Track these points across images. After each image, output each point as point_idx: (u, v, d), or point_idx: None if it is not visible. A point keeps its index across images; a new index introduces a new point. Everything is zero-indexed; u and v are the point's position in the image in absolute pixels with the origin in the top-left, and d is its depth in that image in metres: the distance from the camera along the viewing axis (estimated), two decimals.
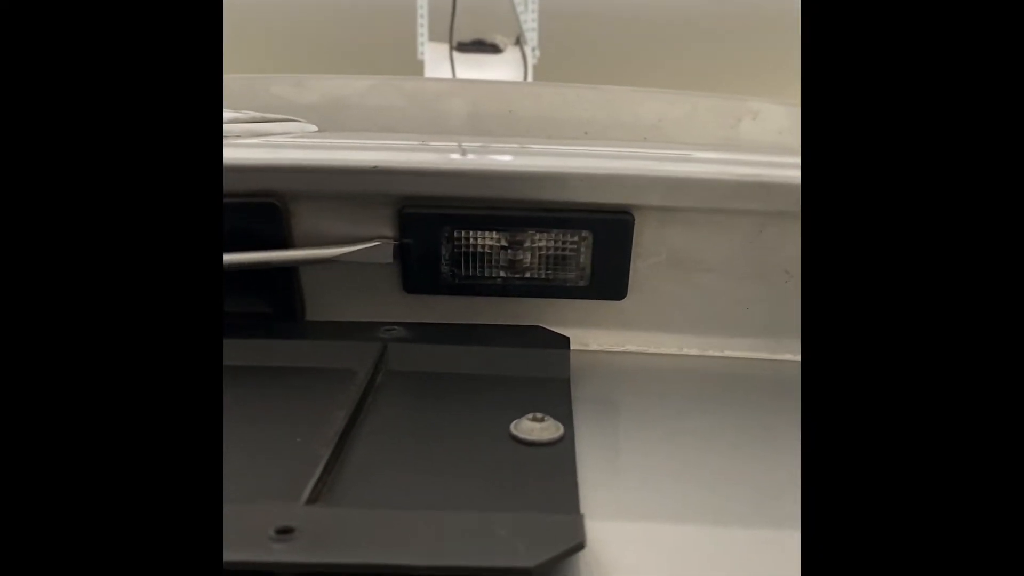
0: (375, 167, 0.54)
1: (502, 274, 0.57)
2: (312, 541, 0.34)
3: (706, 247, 0.58)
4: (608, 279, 0.57)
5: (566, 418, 0.47)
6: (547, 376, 0.53)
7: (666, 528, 0.41)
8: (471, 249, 0.57)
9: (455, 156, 0.58)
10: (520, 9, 2.42)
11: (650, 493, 0.43)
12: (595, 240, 0.56)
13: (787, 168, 0.54)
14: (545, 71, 2.42)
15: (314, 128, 0.78)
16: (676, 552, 0.39)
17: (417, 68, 2.36)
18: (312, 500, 0.38)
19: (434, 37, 2.41)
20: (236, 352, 0.51)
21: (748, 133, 1.00)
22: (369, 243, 0.56)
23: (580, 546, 0.34)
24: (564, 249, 0.57)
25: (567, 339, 0.57)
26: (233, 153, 0.53)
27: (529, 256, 0.57)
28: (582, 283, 0.57)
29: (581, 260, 0.57)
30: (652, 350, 0.61)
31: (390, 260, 0.56)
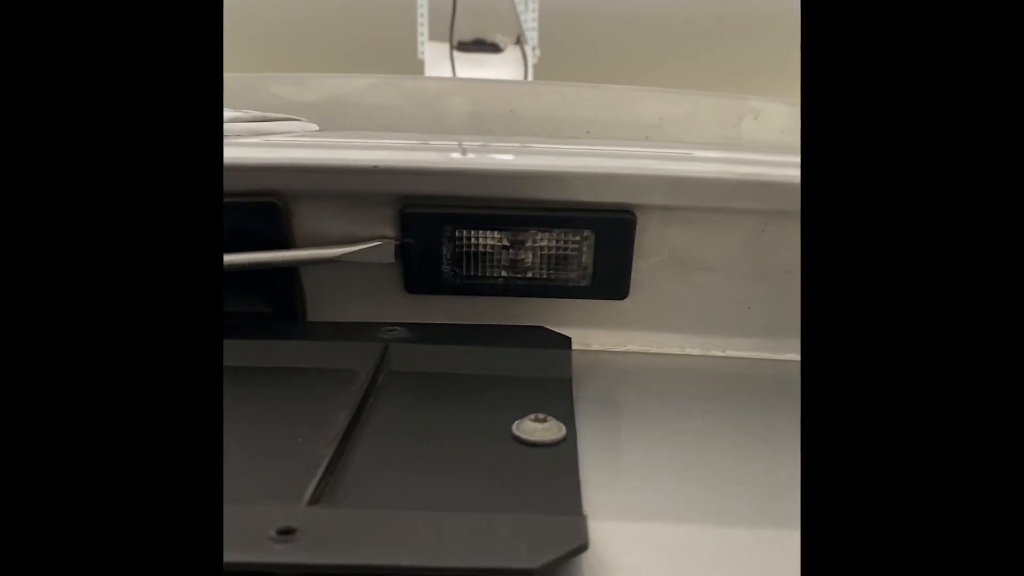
0: (376, 167, 0.54)
1: (503, 274, 0.57)
2: (314, 542, 0.34)
3: (708, 247, 0.58)
4: (610, 279, 0.57)
5: (568, 418, 0.47)
6: (549, 376, 0.53)
7: (669, 529, 0.40)
8: (472, 249, 0.56)
9: (456, 155, 0.58)
10: (520, 8, 2.42)
11: (653, 493, 0.43)
12: (597, 240, 0.56)
13: (789, 167, 0.54)
14: (545, 71, 2.41)
15: (315, 127, 0.78)
16: (680, 553, 0.38)
17: (417, 67, 2.35)
18: (314, 501, 0.38)
19: (434, 36, 2.41)
20: (237, 353, 0.51)
21: (750, 132, 1.00)
22: (370, 243, 0.56)
23: (583, 547, 0.34)
24: (566, 249, 0.57)
25: (569, 339, 0.57)
26: (234, 152, 0.53)
27: (531, 256, 0.57)
28: (584, 283, 0.57)
29: (583, 260, 0.57)
30: (654, 350, 0.61)
31: (391, 260, 0.56)
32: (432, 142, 0.58)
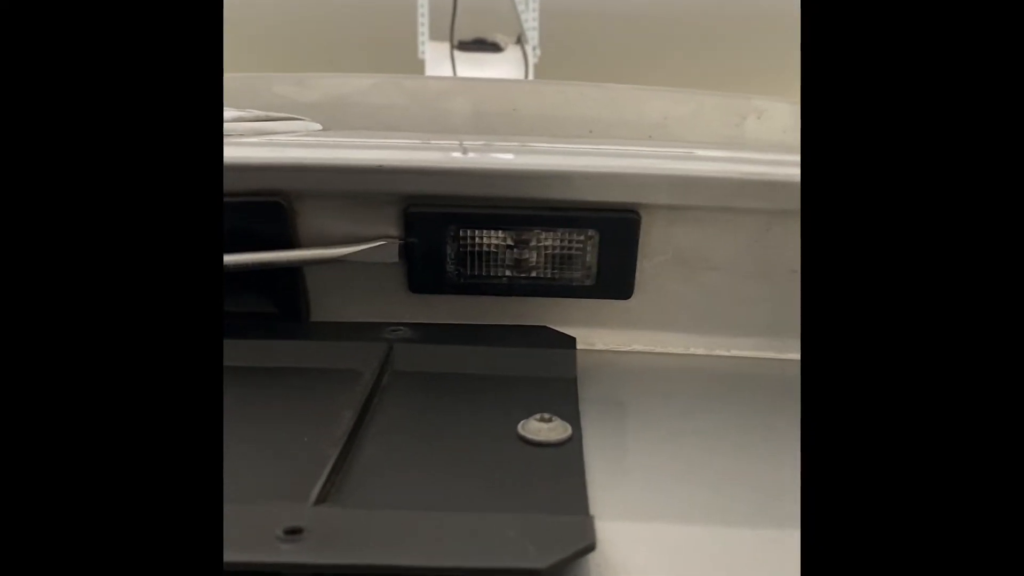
0: (380, 166, 0.54)
1: (508, 273, 0.57)
2: (320, 541, 0.34)
3: (712, 246, 0.58)
4: (614, 278, 0.57)
5: (573, 418, 0.47)
6: (553, 376, 0.53)
7: (676, 529, 0.40)
8: (477, 248, 0.56)
9: (460, 155, 0.58)
10: (521, 8, 2.42)
11: (658, 494, 0.43)
12: (601, 239, 0.56)
13: (792, 167, 0.54)
14: (546, 70, 2.41)
15: (318, 127, 0.78)
16: (685, 553, 0.38)
17: (418, 67, 2.35)
18: (320, 500, 0.38)
19: (435, 36, 2.41)
20: (241, 353, 0.51)
21: (753, 131, 1.00)
22: (374, 242, 0.56)
23: (591, 547, 0.34)
24: (570, 248, 0.56)
25: (573, 339, 0.57)
26: (238, 152, 0.53)
27: (535, 255, 0.57)
28: (588, 282, 0.57)
29: (587, 259, 0.57)
30: (659, 350, 0.61)
31: (395, 260, 0.56)
32: (435, 141, 0.58)
